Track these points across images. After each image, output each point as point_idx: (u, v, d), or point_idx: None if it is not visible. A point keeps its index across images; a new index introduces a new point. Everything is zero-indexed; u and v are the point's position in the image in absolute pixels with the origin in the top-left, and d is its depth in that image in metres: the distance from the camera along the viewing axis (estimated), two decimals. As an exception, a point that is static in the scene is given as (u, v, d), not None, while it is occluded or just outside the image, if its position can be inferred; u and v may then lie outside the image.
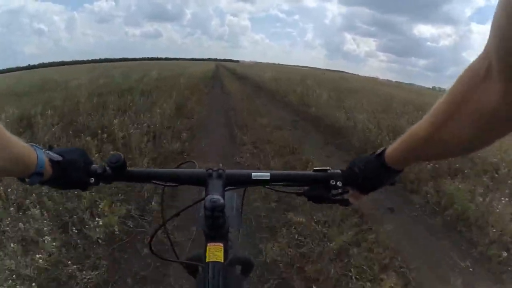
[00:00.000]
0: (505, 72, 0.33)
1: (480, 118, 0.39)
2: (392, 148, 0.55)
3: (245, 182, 0.64)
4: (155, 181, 0.63)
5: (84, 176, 0.58)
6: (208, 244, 0.54)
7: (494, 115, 0.37)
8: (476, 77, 0.38)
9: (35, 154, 0.49)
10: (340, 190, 0.61)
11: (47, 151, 0.53)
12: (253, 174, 0.62)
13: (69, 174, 0.55)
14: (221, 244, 0.54)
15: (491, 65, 0.35)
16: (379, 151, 0.58)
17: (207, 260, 0.52)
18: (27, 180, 0.50)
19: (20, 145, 0.46)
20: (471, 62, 0.40)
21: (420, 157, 0.56)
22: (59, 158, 0.54)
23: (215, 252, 0.53)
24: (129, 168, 0.60)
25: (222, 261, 0.52)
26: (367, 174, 0.59)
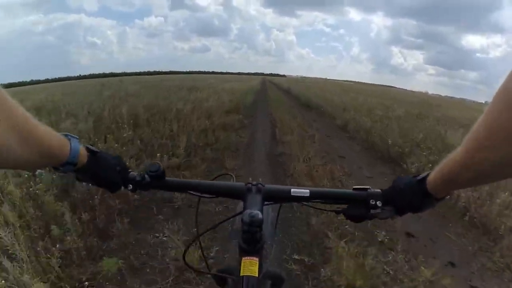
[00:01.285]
0: None
1: None
2: (433, 174, 0.53)
3: (284, 198, 0.63)
4: (192, 192, 0.63)
5: (118, 178, 0.58)
6: (244, 258, 0.54)
7: None
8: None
9: (68, 143, 0.48)
10: (379, 210, 0.59)
11: (86, 145, 0.53)
12: (292, 190, 0.61)
13: (103, 169, 0.55)
14: (257, 259, 0.54)
15: None
16: (422, 175, 0.55)
17: (241, 274, 0.52)
18: (60, 168, 0.49)
19: (50, 135, 0.45)
20: (505, 81, 0.36)
21: (459, 184, 0.52)
22: (97, 150, 0.55)
23: (250, 267, 0.53)
24: (167, 178, 0.61)
25: (257, 275, 0.52)
26: (406, 197, 0.57)
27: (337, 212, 0.63)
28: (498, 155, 0.39)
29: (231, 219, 0.64)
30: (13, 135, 0.37)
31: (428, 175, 0.54)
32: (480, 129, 0.41)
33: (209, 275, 0.68)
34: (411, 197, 0.56)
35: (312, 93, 13.51)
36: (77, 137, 0.51)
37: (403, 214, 0.59)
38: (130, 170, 0.61)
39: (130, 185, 0.59)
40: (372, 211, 0.59)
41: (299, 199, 0.62)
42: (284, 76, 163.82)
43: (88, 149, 0.53)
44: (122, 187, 0.59)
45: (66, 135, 0.49)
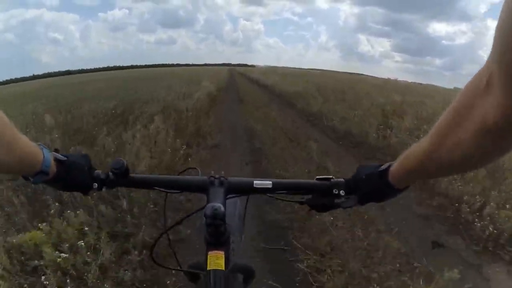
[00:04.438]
0: (506, 84, 0.31)
1: (481, 134, 0.36)
2: (395, 166, 0.53)
3: (247, 190, 0.64)
4: (157, 188, 0.63)
5: (88, 180, 0.58)
6: (209, 252, 0.54)
7: (495, 130, 0.34)
8: (477, 90, 0.35)
9: (41, 153, 0.49)
10: (343, 199, 0.60)
11: (52, 152, 0.54)
12: (255, 182, 0.62)
13: (73, 175, 0.56)
14: (222, 252, 0.54)
15: (493, 77, 0.33)
16: (384, 166, 0.56)
17: (208, 268, 0.52)
18: (31, 179, 0.50)
19: (27, 143, 0.46)
20: (473, 76, 0.37)
21: (422, 175, 0.53)
22: (64, 158, 0.55)
23: (216, 260, 0.53)
24: (131, 174, 0.60)
25: (223, 269, 0.52)
26: (369, 187, 0.58)
27: (301, 203, 0.63)
28: (464, 148, 0.39)
29: (197, 213, 0.62)
30: None
31: (390, 166, 0.54)
32: (445, 122, 0.41)
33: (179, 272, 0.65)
34: (373, 187, 0.57)
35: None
36: (47, 148, 0.52)
37: (366, 203, 0.60)
38: (95, 168, 0.60)
39: (95, 184, 0.58)
40: (336, 200, 0.60)
41: (262, 190, 0.62)
42: (253, 66, 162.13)
43: (56, 158, 0.53)
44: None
45: (38, 145, 0.50)
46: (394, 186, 0.54)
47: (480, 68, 0.36)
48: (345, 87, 11.40)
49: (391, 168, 0.53)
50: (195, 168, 0.76)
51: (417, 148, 0.47)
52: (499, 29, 0.28)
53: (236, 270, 0.72)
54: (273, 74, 20.69)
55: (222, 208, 0.52)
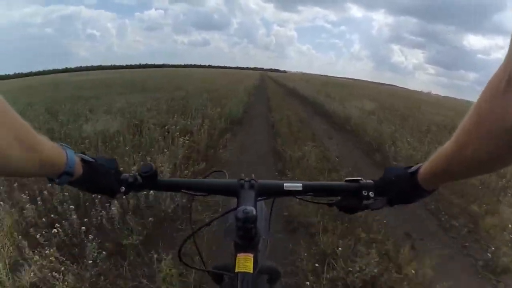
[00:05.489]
0: None
1: (500, 135, 0.36)
2: (424, 167, 0.54)
3: (277, 192, 0.63)
4: (186, 191, 0.63)
5: (115, 183, 0.58)
6: (238, 255, 0.54)
7: None
8: (497, 90, 0.36)
9: (64, 154, 0.48)
10: (372, 201, 0.59)
11: (79, 153, 0.53)
12: (285, 184, 0.62)
13: (100, 177, 0.55)
14: (251, 255, 0.54)
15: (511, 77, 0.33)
16: (414, 168, 0.56)
17: (236, 271, 0.52)
18: (56, 180, 0.49)
19: (48, 145, 0.45)
20: (492, 76, 0.37)
21: (449, 177, 0.53)
22: (91, 160, 0.54)
23: (244, 263, 0.52)
24: (160, 178, 0.61)
25: (251, 271, 0.52)
26: (398, 189, 0.58)
27: (330, 205, 0.63)
28: (487, 148, 0.39)
29: (225, 215, 0.65)
30: (16, 144, 0.38)
31: (419, 167, 0.55)
32: (468, 123, 0.42)
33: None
34: (402, 189, 0.57)
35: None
36: (71, 147, 0.51)
37: (394, 205, 0.60)
38: (122, 172, 0.61)
39: (123, 187, 0.58)
40: (364, 202, 0.60)
41: (292, 193, 0.62)
42: (284, 72, 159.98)
43: (82, 159, 0.54)
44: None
45: (61, 145, 0.49)
46: (424, 187, 0.54)
47: (497, 69, 0.36)
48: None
49: (420, 170, 0.54)
50: (222, 171, 0.77)
51: (442, 152, 0.48)
52: None
53: (261, 272, 0.71)
54: (324, 86, 16.69)
55: (254, 212, 0.52)
